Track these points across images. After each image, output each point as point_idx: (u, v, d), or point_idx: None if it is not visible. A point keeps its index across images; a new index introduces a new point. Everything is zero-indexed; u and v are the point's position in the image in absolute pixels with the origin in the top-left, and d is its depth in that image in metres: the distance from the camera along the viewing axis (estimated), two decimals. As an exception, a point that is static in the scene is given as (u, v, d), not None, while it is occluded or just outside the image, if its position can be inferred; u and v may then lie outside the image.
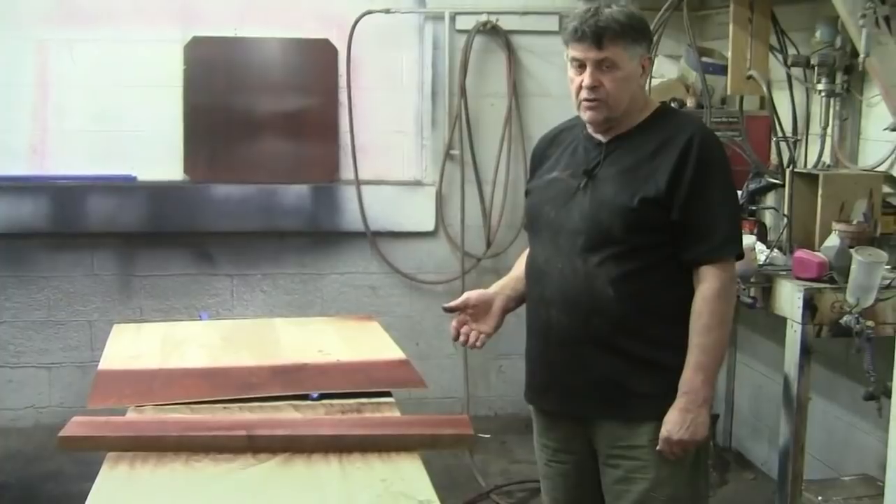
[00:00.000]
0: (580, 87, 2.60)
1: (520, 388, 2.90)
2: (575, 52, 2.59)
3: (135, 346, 3.23)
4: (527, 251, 2.89)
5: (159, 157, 5.41)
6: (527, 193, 2.86)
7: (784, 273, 3.51)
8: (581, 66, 2.59)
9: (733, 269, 2.65)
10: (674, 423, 2.57)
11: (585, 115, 2.64)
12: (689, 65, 4.68)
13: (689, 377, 2.58)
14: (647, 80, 4.17)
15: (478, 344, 2.83)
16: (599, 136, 2.69)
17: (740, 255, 2.70)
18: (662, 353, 2.62)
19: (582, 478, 2.80)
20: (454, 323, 2.84)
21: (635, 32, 2.59)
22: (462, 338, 2.83)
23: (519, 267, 2.91)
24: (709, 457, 2.80)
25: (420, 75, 5.55)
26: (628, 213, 2.56)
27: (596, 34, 2.54)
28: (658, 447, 2.60)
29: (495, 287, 2.89)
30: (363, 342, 3.29)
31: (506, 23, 5.46)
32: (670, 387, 2.60)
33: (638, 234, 2.58)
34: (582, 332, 2.63)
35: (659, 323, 2.62)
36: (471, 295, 2.84)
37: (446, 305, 2.86)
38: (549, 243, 2.69)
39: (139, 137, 5.41)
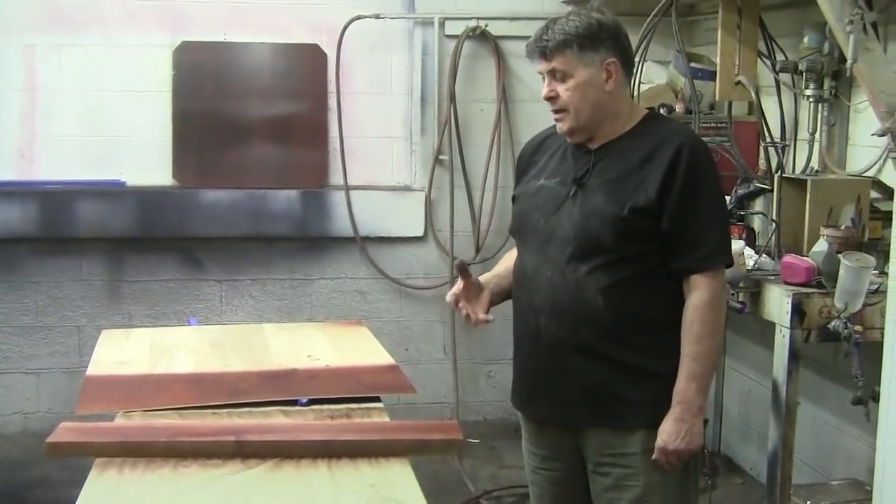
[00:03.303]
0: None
1: (509, 394, 2.91)
2: (535, 66, 2.68)
3: (123, 351, 3.22)
4: (512, 251, 2.90)
5: (148, 162, 5.40)
6: (514, 200, 2.86)
7: (772, 278, 3.51)
8: (544, 79, 2.66)
9: (724, 277, 2.67)
10: (669, 434, 2.58)
11: (557, 127, 2.70)
12: (678, 70, 4.69)
13: (683, 387, 2.59)
14: (635, 85, 4.18)
15: (487, 317, 2.78)
16: (588, 144, 2.69)
17: (730, 264, 2.71)
18: (651, 360, 2.62)
19: (570, 485, 2.81)
20: (452, 291, 2.80)
21: (585, 39, 2.59)
22: (465, 311, 2.79)
23: (502, 265, 2.92)
24: (699, 463, 2.80)
25: (409, 80, 5.55)
26: (618, 221, 2.57)
27: (540, 48, 2.62)
28: (653, 457, 2.60)
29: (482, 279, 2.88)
30: (352, 347, 3.28)
31: (495, 28, 5.47)
32: (660, 394, 2.61)
33: (628, 242, 2.58)
34: (571, 340, 2.63)
35: (648, 331, 2.63)
36: (473, 273, 2.82)
37: (463, 263, 2.80)
38: (538, 251, 2.69)
39: (128, 142, 5.40)
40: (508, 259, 2.92)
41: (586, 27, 2.60)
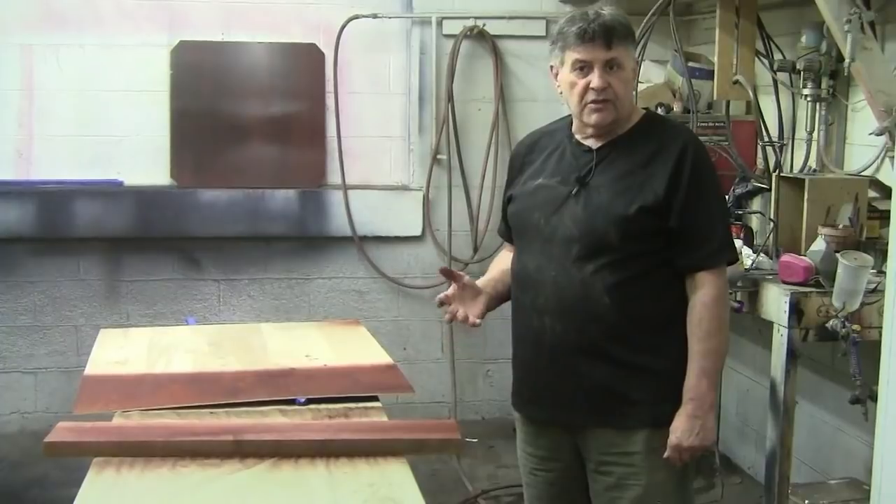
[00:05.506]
0: (585, 90, 2.58)
1: (507, 393, 2.90)
2: (580, 54, 2.57)
3: (121, 351, 3.22)
4: (501, 254, 2.89)
5: (146, 162, 5.40)
6: (509, 200, 2.83)
7: (770, 277, 3.51)
8: (583, 68, 2.58)
9: (726, 273, 2.68)
10: (683, 430, 2.59)
11: (592, 118, 2.62)
12: (676, 69, 4.69)
13: (694, 383, 2.59)
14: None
15: (474, 321, 2.70)
16: (589, 143, 2.68)
17: (735, 259, 2.72)
18: (654, 359, 2.63)
19: (568, 485, 2.81)
20: (442, 295, 2.74)
21: (633, 34, 2.65)
22: (447, 316, 2.72)
23: (495, 269, 2.90)
24: (694, 462, 2.80)
25: (407, 80, 5.55)
26: (624, 220, 2.57)
27: (606, 34, 2.54)
28: (666, 454, 2.61)
29: (479, 283, 2.84)
30: (350, 347, 3.28)
31: (493, 27, 5.47)
32: (663, 392, 2.62)
33: (633, 241, 2.58)
34: (576, 340, 2.62)
35: (652, 330, 2.63)
36: (466, 276, 2.79)
37: (446, 268, 2.81)
38: (540, 251, 2.67)
39: (126, 142, 5.40)
40: (502, 261, 2.90)
41: (627, 21, 2.60)
